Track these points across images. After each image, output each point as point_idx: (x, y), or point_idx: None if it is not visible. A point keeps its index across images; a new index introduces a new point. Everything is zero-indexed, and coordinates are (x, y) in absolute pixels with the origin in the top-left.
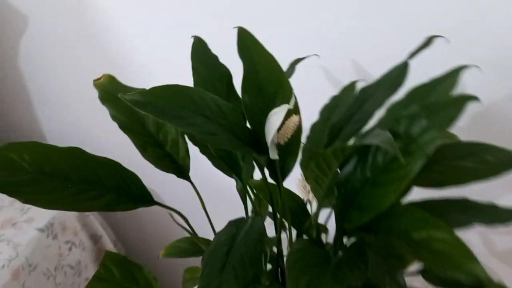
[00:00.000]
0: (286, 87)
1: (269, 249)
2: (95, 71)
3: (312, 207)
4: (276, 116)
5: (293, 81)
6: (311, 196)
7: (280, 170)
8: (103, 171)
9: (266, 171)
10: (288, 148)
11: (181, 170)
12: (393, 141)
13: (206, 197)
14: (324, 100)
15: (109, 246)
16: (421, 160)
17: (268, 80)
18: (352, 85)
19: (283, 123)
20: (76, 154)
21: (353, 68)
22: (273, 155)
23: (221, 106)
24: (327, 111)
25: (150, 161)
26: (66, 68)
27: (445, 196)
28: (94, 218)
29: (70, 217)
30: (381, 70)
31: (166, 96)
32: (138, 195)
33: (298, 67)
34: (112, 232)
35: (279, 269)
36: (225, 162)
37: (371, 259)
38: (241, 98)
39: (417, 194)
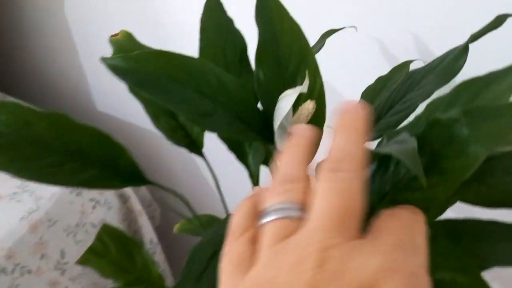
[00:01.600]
0: (311, 63)
1: None
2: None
3: None
4: (285, 100)
5: (337, 56)
6: None
7: None
8: (88, 142)
9: None
10: None
11: (195, 144)
12: (417, 156)
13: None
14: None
15: (138, 207)
16: (453, 184)
17: (290, 52)
18: (403, 65)
19: (297, 109)
20: (59, 121)
21: (413, 45)
22: (281, 145)
23: (224, 81)
24: (370, 95)
25: (162, 132)
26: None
27: (494, 219)
28: None
29: None
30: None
31: (154, 63)
32: (127, 172)
33: (345, 40)
34: (148, 192)
35: None
36: (230, 147)
37: None
38: (254, 72)
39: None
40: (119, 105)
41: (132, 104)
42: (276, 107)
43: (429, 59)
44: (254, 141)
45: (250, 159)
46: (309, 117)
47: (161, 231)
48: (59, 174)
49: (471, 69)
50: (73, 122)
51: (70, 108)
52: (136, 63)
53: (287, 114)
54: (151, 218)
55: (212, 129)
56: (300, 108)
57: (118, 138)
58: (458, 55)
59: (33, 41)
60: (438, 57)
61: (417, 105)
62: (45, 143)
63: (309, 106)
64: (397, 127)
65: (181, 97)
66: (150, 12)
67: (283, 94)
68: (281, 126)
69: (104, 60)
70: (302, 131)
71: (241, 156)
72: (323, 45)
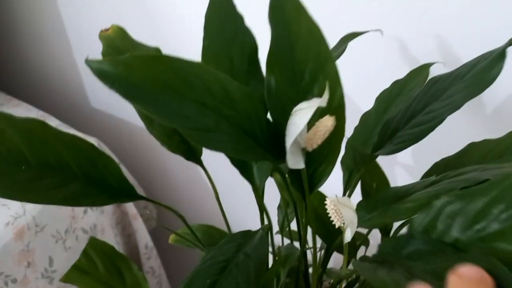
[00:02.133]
0: (331, 71)
1: (285, 270)
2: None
3: (345, 236)
4: (300, 115)
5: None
6: (346, 223)
7: (308, 181)
8: (69, 153)
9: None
10: (320, 154)
11: (192, 152)
12: None
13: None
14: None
15: (133, 210)
16: None
17: (307, 57)
18: (422, 69)
19: (313, 124)
20: (35, 129)
21: (432, 46)
22: (293, 163)
23: (229, 90)
24: (386, 99)
25: (155, 137)
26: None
27: None
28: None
29: None
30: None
31: (147, 70)
32: (115, 187)
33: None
34: (144, 193)
35: None
36: (233, 162)
37: None
38: (264, 79)
39: None
40: (113, 102)
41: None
42: (289, 122)
43: (448, 62)
44: (262, 160)
45: (255, 172)
46: (326, 135)
47: (158, 233)
48: (37, 191)
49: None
50: (51, 130)
51: (63, 104)
52: (126, 69)
53: (302, 131)
54: (147, 220)
55: (214, 148)
56: (317, 124)
57: (112, 136)
58: (493, 62)
59: (25, 37)
60: (467, 63)
61: (444, 118)
62: (18, 156)
63: (327, 122)
64: (419, 140)
65: (178, 109)
66: (148, 4)
67: (297, 108)
68: (295, 143)
69: (89, 63)
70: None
71: (246, 172)
72: (344, 49)
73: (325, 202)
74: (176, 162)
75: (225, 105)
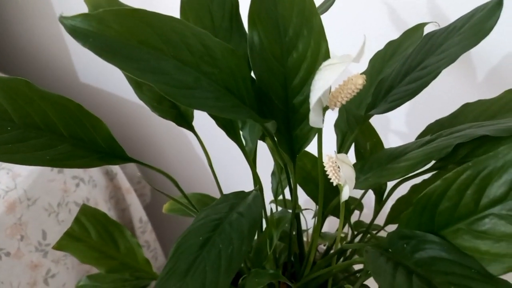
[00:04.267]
0: (316, 26)
1: (277, 232)
2: None
3: (343, 194)
4: (331, 71)
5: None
6: (343, 180)
7: (294, 141)
8: (56, 113)
9: None
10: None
11: (183, 117)
12: None
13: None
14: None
15: (126, 184)
16: None
17: (291, 12)
18: (416, 28)
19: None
20: (19, 89)
21: (426, 6)
22: (314, 121)
23: (209, 46)
24: (380, 60)
25: (145, 102)
26: None
27: None
28: None
29: None
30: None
31: (121, 24)
32: (104, 148)
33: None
34: (136, 166)
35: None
36: (218, 123)
37: None
38: (247, 36)
39: None
40: (103, 76)
41: (117, 74)
42: (316, 77)
43: (443, 23)
44: (247, 119)
45: (246, 134)
46: (354, 94)
47: (152, 208)
48: (22, 152)
49: (504, 28)
50: (37, 90)
51: (52, 79)
52: (99, 24)
53: (327, 88)
54: (141, 196)
55: (195, 106)
56: (345, 81)
57: (103, 111)
58: (490, 12)
59: (8, 8)
60: (463, 16)
61: (440, 72)
62: (2, 116)
63: (358, 80)
64: (415, 95)
65: (155, 66)
66: None
67: (326, 63)
68: (319, 101)
69: (62, 20)
70: None
71: (232, 132)
72: (332, 2)
73: (325, 159)
74: (168, 132)
75: (205, 62)
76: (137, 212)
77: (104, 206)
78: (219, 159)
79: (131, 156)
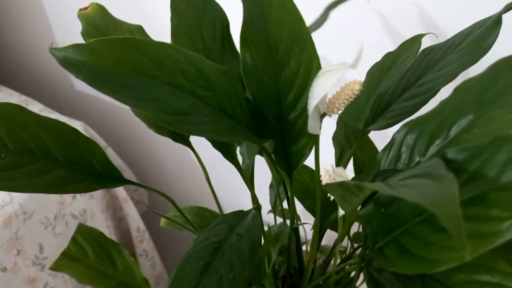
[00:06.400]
0: (306, 43)
1: (275, 249)
2: None
3: (339, 209)
4: (328, 77)
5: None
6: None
7: (291, 157)
8: (51, 138)
9: None
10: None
11: (179, 133)
12: (457, 211)
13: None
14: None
15: (123, 194)
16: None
17: (281, 30)
18: (414, 40)
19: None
20: (13, 114)
21: (420, 18)
22: (312, 128)
23: (203, 70)
24: (378, 72)
25: (141, 119)
26: None
27: None
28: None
29: None
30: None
31: (114, 53)
32: (101, 171)
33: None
34: (134, 176)
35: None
36: (214, 145)
37: None
38: (240, 56)
39: None
40: None
41: None
42: (314, 84)
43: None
44: (244, 141)
45: (243, 150)
46: (351, 100)
47: (150, 215)
48: (17, 178)
49: (504, 47)
50: (31, 114)
51: (47, 88)
52: (92, 54)
53: (324, 95)
54: (138, 203)
55: (192, 132)
56: (343, 87)
57: (98, 119)
58: (489, 29)
59: (4, 19)
60: (461, 31)
61: (438, 89)
62: None
63: (354, 86)
64: (413, 113)
65: (150, 94)
66: None
67: (323, 70)
68: (316, 107)
69: (53, 51)
70: None
71: (229, 154)
72: (325, 19)
73: (323, 173)
74: (165, 144)
75: (200, 86)
76: (135, 221)
77: (101, 216)
78: (218, 172)
79: (128, 176)
